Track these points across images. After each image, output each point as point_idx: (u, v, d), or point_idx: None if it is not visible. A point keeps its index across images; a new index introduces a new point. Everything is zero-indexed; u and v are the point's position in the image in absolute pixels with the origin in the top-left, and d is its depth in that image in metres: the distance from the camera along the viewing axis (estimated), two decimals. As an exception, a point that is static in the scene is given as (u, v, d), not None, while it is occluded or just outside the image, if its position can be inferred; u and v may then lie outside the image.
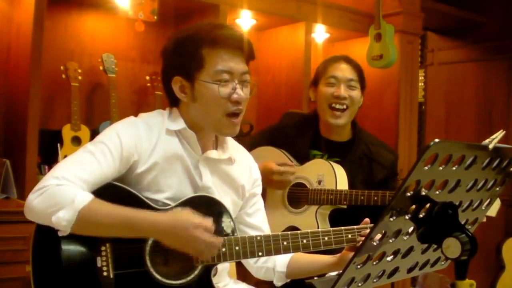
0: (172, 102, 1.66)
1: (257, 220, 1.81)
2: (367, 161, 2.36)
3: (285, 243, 1.61)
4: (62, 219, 1.39)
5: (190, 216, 1.47)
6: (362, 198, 2.19)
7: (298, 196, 2.34)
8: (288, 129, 2.47)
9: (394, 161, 2.41)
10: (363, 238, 1.59)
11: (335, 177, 2.26)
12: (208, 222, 1.47)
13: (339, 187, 2.25)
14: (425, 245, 1.13)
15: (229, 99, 1.57)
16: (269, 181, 2.27)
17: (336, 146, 2.40)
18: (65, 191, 1.41)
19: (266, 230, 1.81)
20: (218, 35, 1.57)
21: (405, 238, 1.08)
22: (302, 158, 2.38)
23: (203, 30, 1.59)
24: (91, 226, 1.43)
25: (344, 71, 2.36)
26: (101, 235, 1.48)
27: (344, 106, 2.34)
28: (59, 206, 1.39)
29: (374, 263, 1.08)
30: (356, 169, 2.34)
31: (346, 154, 2.37)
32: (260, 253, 1.60)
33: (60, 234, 1.43)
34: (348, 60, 2.40)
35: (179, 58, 1.60)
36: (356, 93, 2.37)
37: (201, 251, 1.48)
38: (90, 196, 1.43)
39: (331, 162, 2.31)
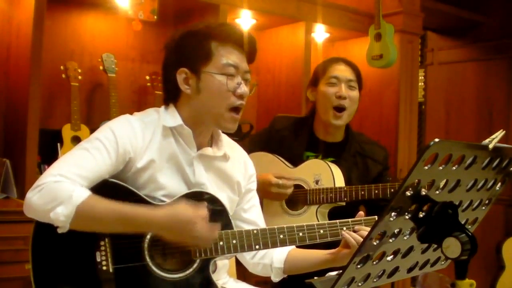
0: (171, 97, 1.66)
1: (253, 215, 1.82)
2: (361, 159, 2.40)
3: (281, 236, 1.63)
4: (60, 215, 1.40)
5: (186, 209, 1.48)
6: (362, 192, 2.22)
7: (296, 198, 2.35)
8: (283, 132, 2.48)
9: (386, 156, 2.47)
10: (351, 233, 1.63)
11: (332, 175, 2.28)
12: (203, 211, 1.49)
13: (337, 185, 2.27)
14: (425, 245, 1.13)
15: (234, 93, 1.60)
16: (267, 192, 2.28)
17: (331, 147, 2.42)
18: (63, 187, 1.42)
19: (262, 225, 1.83)
20: (229, 31, 1.62)
21: (405, 238, 1.08)
22: (297, 160, 2.39)
23: (213, 26, 1.63)
24: (89, 222, 1.44)
25: (344, 71, 2.39)
26: (99, 231, 1.49)
27: (345, 105, 2.36)
28: (57, 202, 1.40)
29: (374, 263, 1.08)
30: (351, 167, 2.38)
31: (341, 154, 2.40)
32: (257, 246, 1.61)
33: (59, 231, 1.43)
34: (346, 62, 2.44)
35: (186, 50, 1.61)
36: (355, 94, 2.40)
37: (199, 241, 1.50)
38: (88, 192, 1.45)
39: (326, 161, 2.33)
